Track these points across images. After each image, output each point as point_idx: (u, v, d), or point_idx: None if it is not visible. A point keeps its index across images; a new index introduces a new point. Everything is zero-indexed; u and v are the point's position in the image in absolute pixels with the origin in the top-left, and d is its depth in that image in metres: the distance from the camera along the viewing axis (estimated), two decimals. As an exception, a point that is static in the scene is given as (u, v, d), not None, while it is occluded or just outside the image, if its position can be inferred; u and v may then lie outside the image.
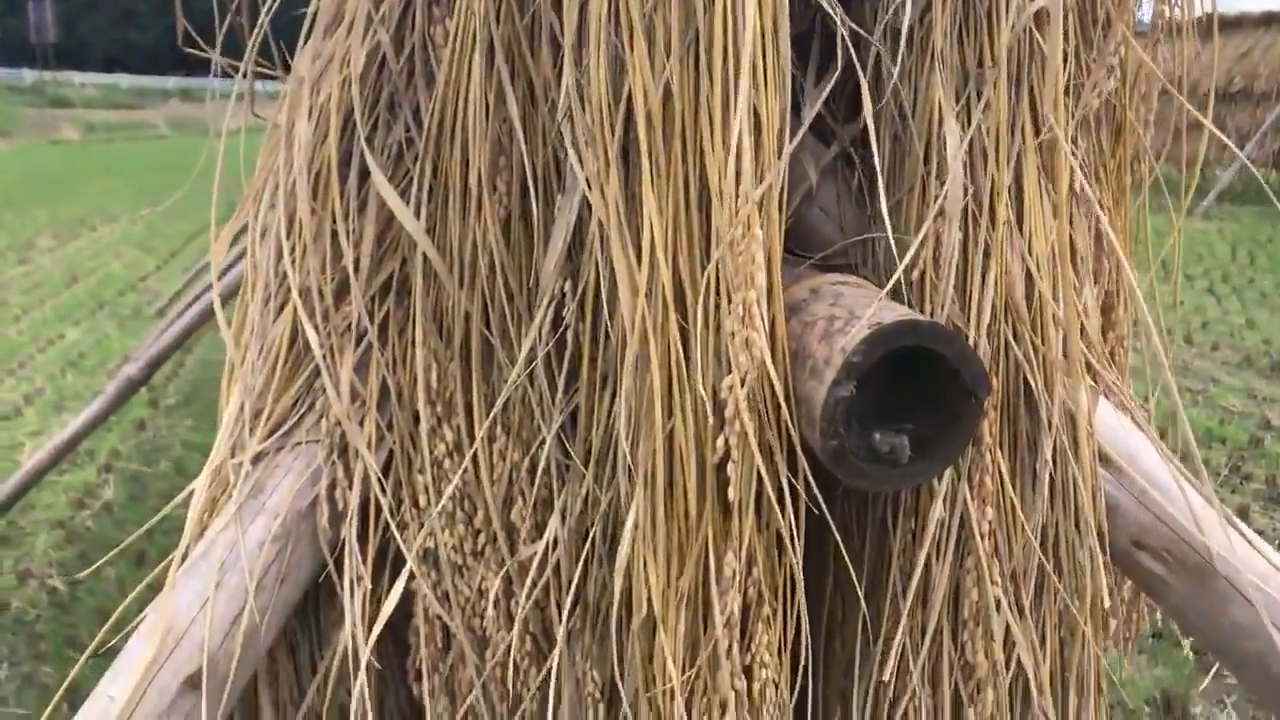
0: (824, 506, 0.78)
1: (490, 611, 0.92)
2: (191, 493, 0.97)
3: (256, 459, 0.91)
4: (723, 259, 0.74)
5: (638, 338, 0.76)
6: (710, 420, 0.77)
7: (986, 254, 0.85)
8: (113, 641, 0.98)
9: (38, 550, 3.86)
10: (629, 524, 0.79)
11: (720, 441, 0.77)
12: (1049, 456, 0.85)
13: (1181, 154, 1.00)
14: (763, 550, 0.82)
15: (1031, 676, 0.86)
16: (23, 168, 13.73)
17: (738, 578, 0.80)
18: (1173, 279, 0.94)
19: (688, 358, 0.77)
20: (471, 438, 0.91)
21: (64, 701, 0.98)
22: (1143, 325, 0.86)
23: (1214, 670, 3.02)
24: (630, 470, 0.79)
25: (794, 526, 0.80)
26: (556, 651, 0.88)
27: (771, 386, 0.77)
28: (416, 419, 0.92)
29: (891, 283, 0.80)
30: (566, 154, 0.83)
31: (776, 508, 0.77)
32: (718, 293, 0.77)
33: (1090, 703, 0.88)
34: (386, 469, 0.93)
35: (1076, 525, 0.88)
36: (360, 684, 0.82)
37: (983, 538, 0.85)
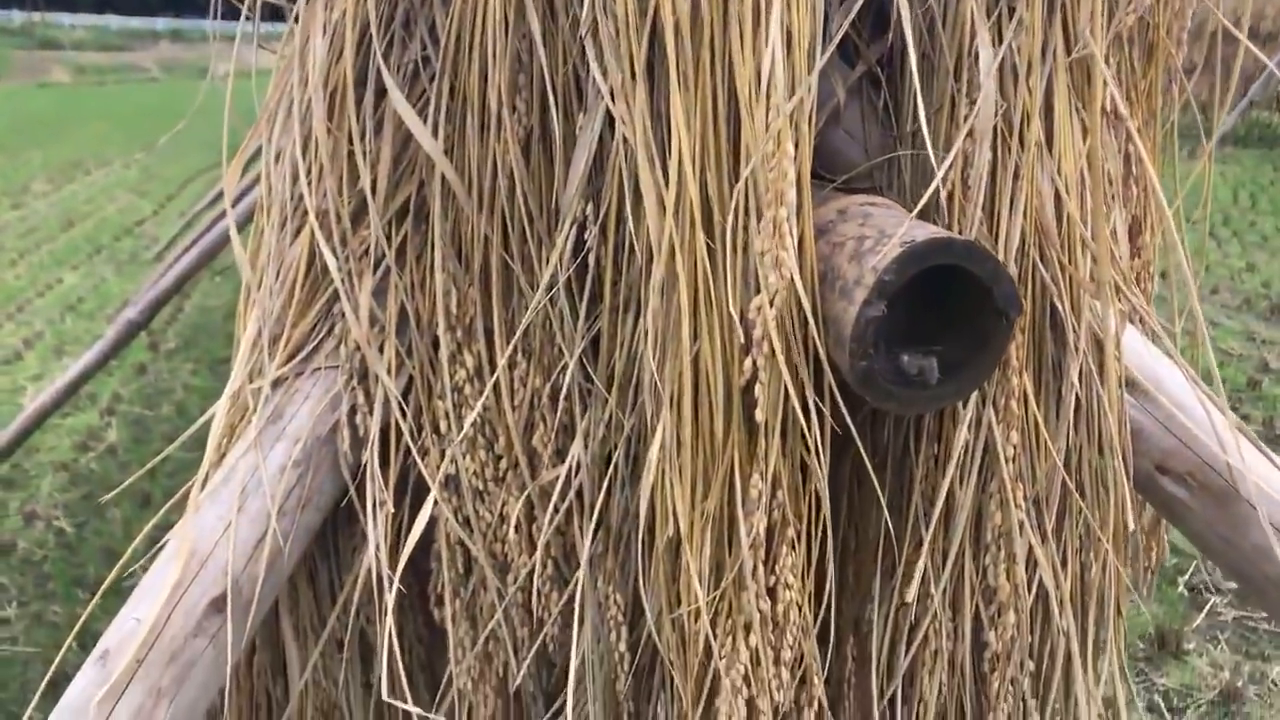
0: (850, 428, 0.78)
1: (512, 536, 0.92)
2: (196, 428, 0.97)
3: (276, 384, 0.90)
4: (753, 175, 0.73)
5: (664, 257, 0.75)
6: (738, 341, 0.77)
7: (1016, 175, 0.84)
8: (129, 574, 0.98)
9: (43, 492, 3.88)
10: (655, 446, 0.79)
11: (747, 363, 0.76)
12: (1075, 380, 0.85)
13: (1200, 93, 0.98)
14: (787, 473, 0.82)
15: (1053, 598, 0.86)
16: (13, 111, 13.53)
17: (763, 499, 0.80)
18: (1203, 201, 0.92)
19: (714, 278, 0.76)
20: (492, 364, 0.91)
21: (74, 641, 0.99)
22: (1170, 246, 0.85)
23: (1207, 608, 3.07)
24: (655, 393, 0.79)
25: (820, 448, 0.79)
26: (579, 574, 0.88)
27: (800, 307, 0.76)
28: (436, 345, 0.91)
29: (922, 202, 0.79)
30: (589, 70, 0.81)
31: (804, 425, 0.76)
32: (746, 211, 0.75)
33: (1110, 625, 0.89)
34: (406, 395, 0.92)
35: (1100, 450, 0.87)
36: (386, 605, 0.83)
37: (1007, 461, 0.85)
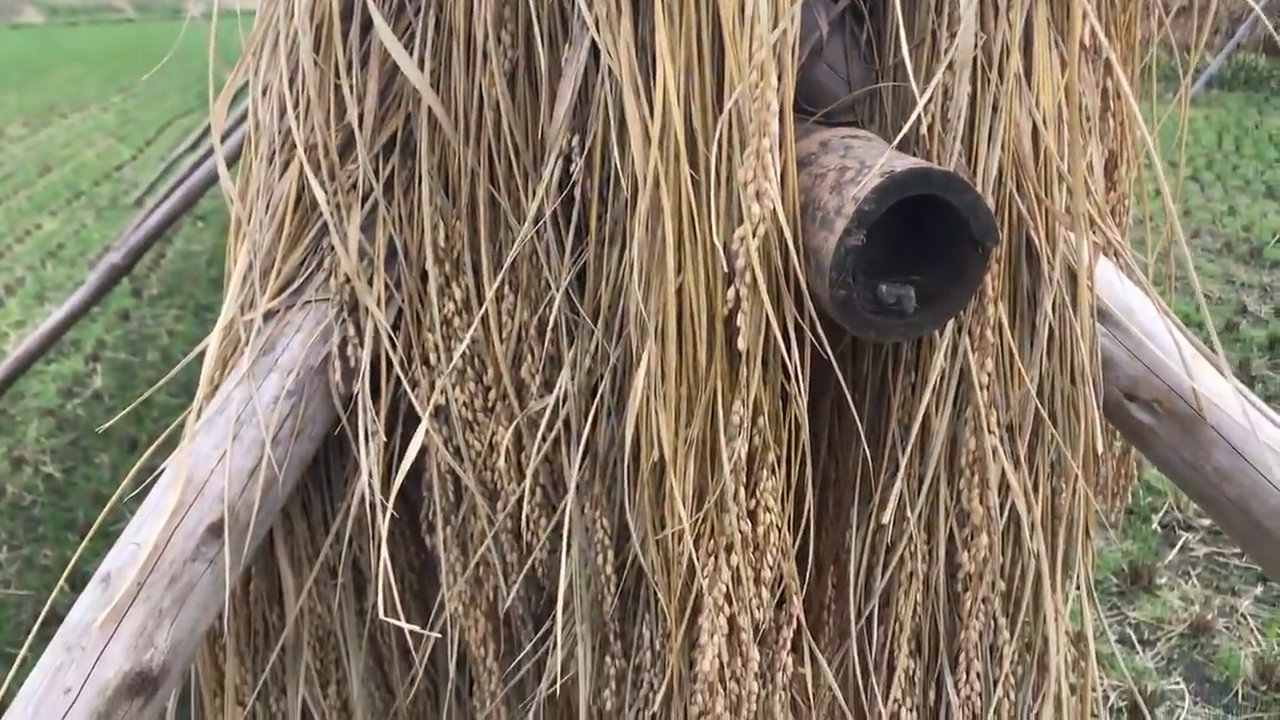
0: (829, 355, 0.80)
1: (501, 464, 0.94)
2: (179, 369, 0.99)
3: (267, 317, 0.91)
4: (737, 106, 0.74)
5: (649, 189, 0.77)
6: (721, 272, 0.79)
7: (995, 108, 0.85)
8: (117, 520, 1.00)
9: (30, 438, 3.89)
10: (640, 374, 0.81)
11: (730, 293, 0.78)
12: (1049, 309, 0.87)
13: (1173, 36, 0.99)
14: (768, 400, 0.84)
15: (1025, 522, 0.90)
16: (-15, 53, 13.25)
17: (744, 426, 0.82)
18: (1178, 141, 0.94)
19: (698, 209, 0.78)
20: (480, 296, 0.92)
21: (66, 583, 1.01)
22: (1151, 172, 0.87)
23: (1179, 544, 3.15)
24: (640, 323, 0.81)
25: (799, 375, 0.81)
26: (566, 500, 0.91)
27: (782, 238, 0.77)
28: (425, 278, 0.93)
29: (902, 133, 0.81)
30: (574, 2, 0.82)
31: (784, 352, 0.79)
32: (730, 143, 0.77)
33: (1079, 547, 0.93)
34: (396, 327, 0.94)
35: (1072, 378, 0.90)
36: (380, 531, 0.85)
37: (982, 389, 0.88)
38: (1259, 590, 2.96)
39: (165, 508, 0.84)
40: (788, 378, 0.85)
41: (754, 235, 0.76)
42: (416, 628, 0.94)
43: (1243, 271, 4.83)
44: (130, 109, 9.86)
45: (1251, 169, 6.39)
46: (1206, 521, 3.24)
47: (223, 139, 1.01)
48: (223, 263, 0.99)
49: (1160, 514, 3.25)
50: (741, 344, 0.79)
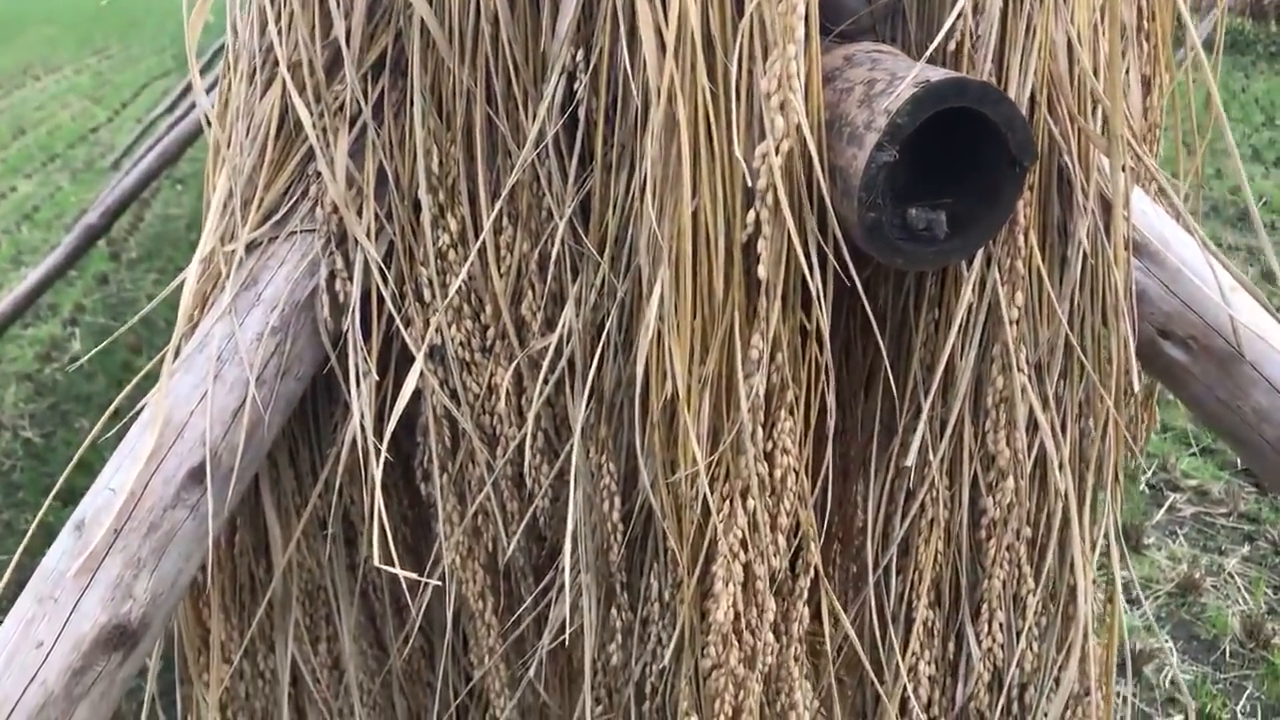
0: (856, 282, 0.75)
1: (501, 407, 0.89)
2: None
3: (249, 248, 0.85)
4: (759, 11, 0.68)
5: (663, 101, 0.71)
6: (740, 194, 0.73)
7: (1029, 24, 0.80)
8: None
9: (8, 402, 3.82)
10: (652, 304, 0.76)
11: (750, 216, 0.73)
12: (1083, 238, 0.82)
13: None
14: (788, 334, 0.79)
15: (1053, 462, 0.85)
16: (-46, 14, 12.97)
17: (763, 361, 0.77)
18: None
19: (716, 124, 0.72)
20: (477, 228, 0.87)
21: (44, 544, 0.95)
22: (1195, 98, 0.82)
23: (1167, 504, 3.15)
24: (654, 244, 0.75)
25: (823, 306, 0.76)
26: (571, 445, 0.86)
27: (807, 155, 0.72)
28: (417, 208, 0.87)
29: (932, 47, 0.75)
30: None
31: (809, 280, 0.73)
32: (751, 53, 0.71)
33: (1108, 491, 0.88)
34: (388, 261, 0.88)
35: (1104, 313, 0.85)
36: (373, 475, 0.80)
37: (1011, 324, 0.83)
38: (1246, 549, 2.97)
39: (143, 451, 0.78)
40: (808, 312, 0.80)
41: (777, 152, 0.70)
42: (412, 575, 0.89)
43: (1230, 234, 4.81)
44: (105, 71, 9.65)
45: (1238, 132, 6.36)
46: (1194, 482, 3.24)
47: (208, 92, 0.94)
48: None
49: (1148, 474, 3.25)
50: (762, 272, 0.74)
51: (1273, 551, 2.93)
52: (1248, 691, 2.51)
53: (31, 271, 3.86)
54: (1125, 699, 2.30)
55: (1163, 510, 3.13)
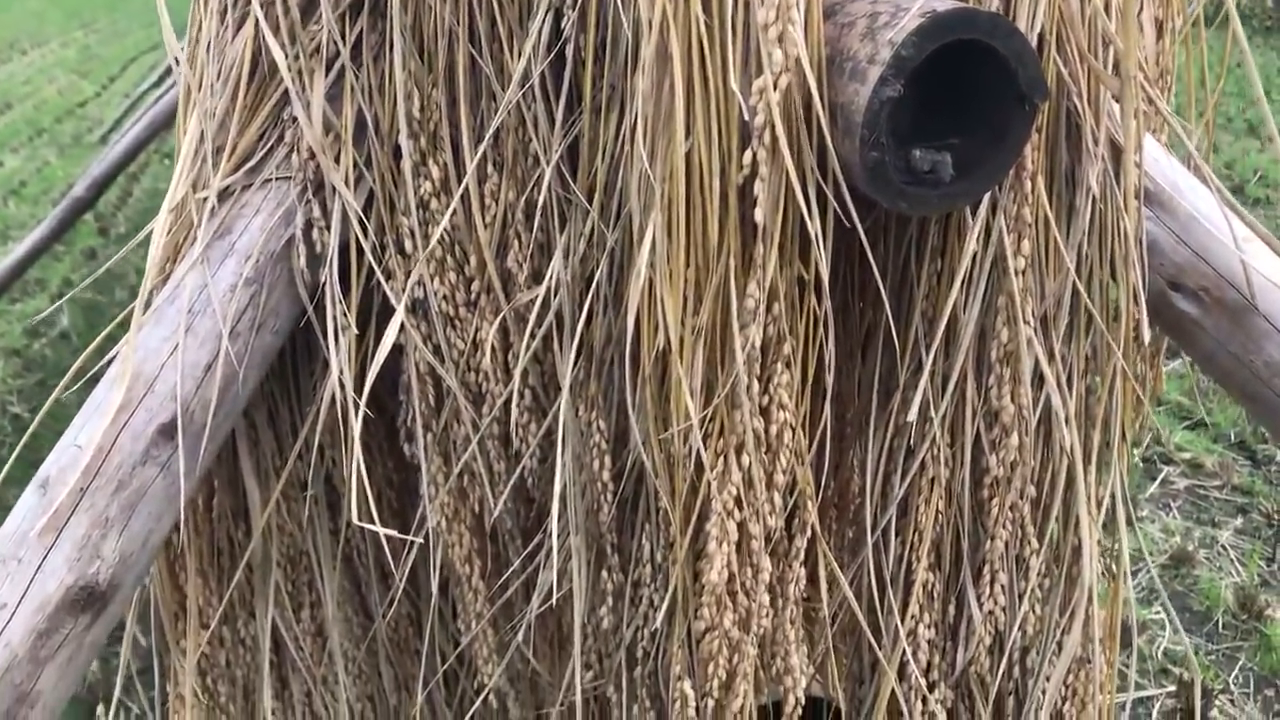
0: (857, 225, 0.71)
1: (486, 364, 0.86)
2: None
3: (222, 196, 0.82)
4: (755, -66, 0.64)
5: (655, 34, 0.67)
6: (735, 133, 0.69)
7: (1038, -42, 0.76)
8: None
9: (-5, 377, 3.78)
10: (643, 252, 0.72)
11: (747, 156, 0.69)
12: (1092, 184, 0.79)
13: None
14: (785, 284, 0.76)
15: (1060, 418, 0.82)
16: (-62, -12, 12.79)
17: (759, 311, 0.74)
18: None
19: (711, 58, 0.68)
20: (460, 175, 0.83)
21: None
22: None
23: (1160, 477, 3.14)
24: (646, 191, 0.72)
25: (822, 251, 0.73)
26: (559, 402, 0.82)
27: (806, 92, 0.68)
28: (398, 154, 0.83)
29: (937, -21, 0.71)
30: None
31: (808, 223, 0.70)
32: (746, -18, 0.67)
33: (1115, 450, 0.86)
34: (367, 211, 0.84)
35: (1112, 265, 0.82)
36: (351, 429, 0.77)
37: (1017, 274, 0.80)
38: (1239, 522, 2.97)
39: (110, 405, 0.75)
40: (806, 261, 0.77)
41: (775, 88, 0.66)
42: (393, 531, 0.86)
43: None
44: (92, 45, 9.54)
45: (1234, 106, 6.31)
46: (1187, 455, 3.23)
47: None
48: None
49: (1142, 447, 3.24)
50: (759, 216, 0.70)
51: (1266, 524, 2.92)
52: (1240, 663, 2.51)
53: (18, 246, 3.81)
54: (1118, 670, 2.29)
55: (1156, 483, 3.12)
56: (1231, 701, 2.41)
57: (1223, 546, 2.85)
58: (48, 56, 9.21)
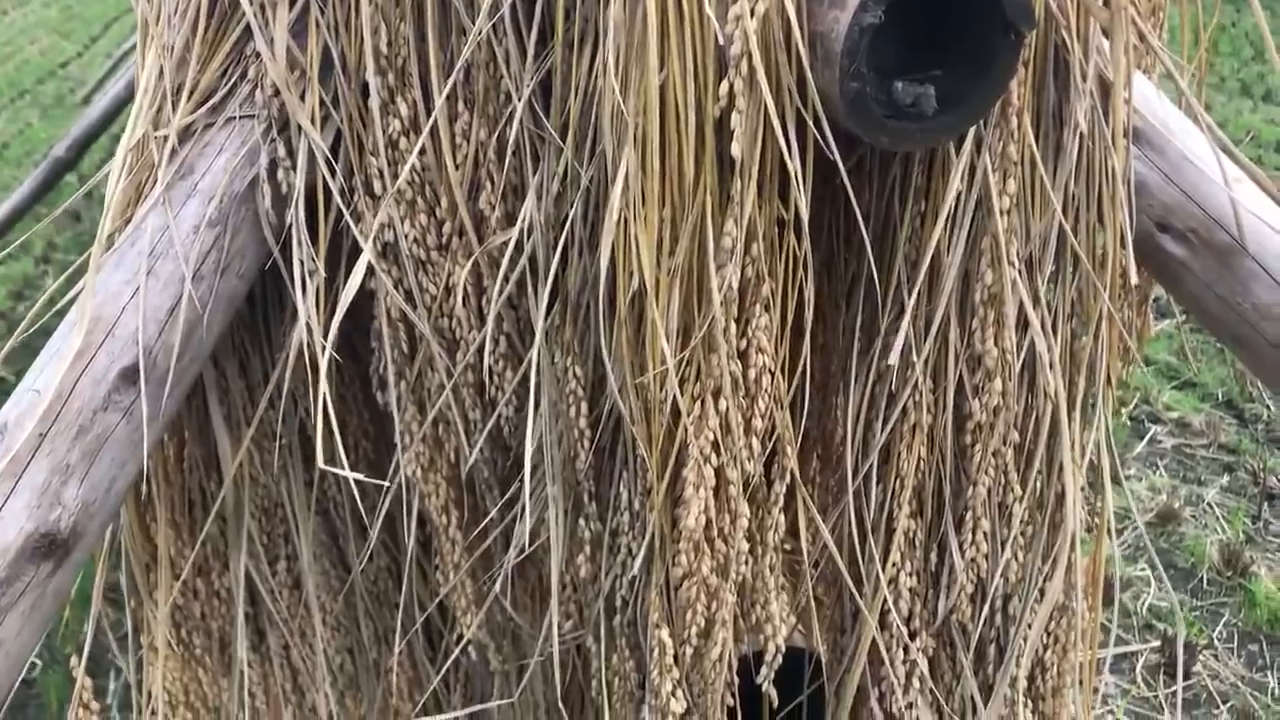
0: (837, 157, 0.69)
1: (459, 309, 0.84)
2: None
3: (184, 135, 0.79)
4: None
5: (627, -42, 0.64)
6: (711, 65, 0.67)
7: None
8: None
9: (-22, 340, 3.74)
10: (616, 191, 0.70)
11: (723, 87, 0.67)
12: (1080, 121, 0.76)
13: None
14: (763, 223, 0.74)
15: (1044, 362, 0.81)
16: (-85, -54, 12.53)
17: (737, 250, 0.72)
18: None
19: (685, -16, 0.66)
20: (430, 113, 0.80)
21: None
22: None
23: (1148, 436, 3.15)
24: (618, 127, 0.69)
25: (801, 189, 0.71)
26: (534, 349, 0.80)
27: (785, 19, 0.66)
28: (365, 92, 0.80)
29: (921, -97, 0.68)
30: None
31: (786, 155, 0.68)
32: (721, -96, 0.64)
33: (1099, 392, 0.84)
34: (335, 151, 0.82)
35: (1099, 206, 0.80)
36: (320, 372, 0.75)
37: (1002, 215, 0.78)
38: (1225, 480, 2.99)
39: (69, 350, 0.73)
40: (785, 201, 0.75)
41: (752, 15, 0.64)
42: (363, 476, 0.84)
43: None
44: (74, 4, 9.37)
45: (1227, 67, 6.26)
46: (1175, 414, 3.24)
47: None
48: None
49: (1130, 406, 3.24)
50: (735, 150, 0.68)
51: (1251, 482, 2.94)
52: (1224, 618, 2.53)
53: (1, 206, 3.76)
54: (1101, 625, 2.31)
55: (1144, 442, 3.13)
56: (1215, 656, 2.43)
57: (1209, 504, 2.87)
58: (29, 16, 9.05)
